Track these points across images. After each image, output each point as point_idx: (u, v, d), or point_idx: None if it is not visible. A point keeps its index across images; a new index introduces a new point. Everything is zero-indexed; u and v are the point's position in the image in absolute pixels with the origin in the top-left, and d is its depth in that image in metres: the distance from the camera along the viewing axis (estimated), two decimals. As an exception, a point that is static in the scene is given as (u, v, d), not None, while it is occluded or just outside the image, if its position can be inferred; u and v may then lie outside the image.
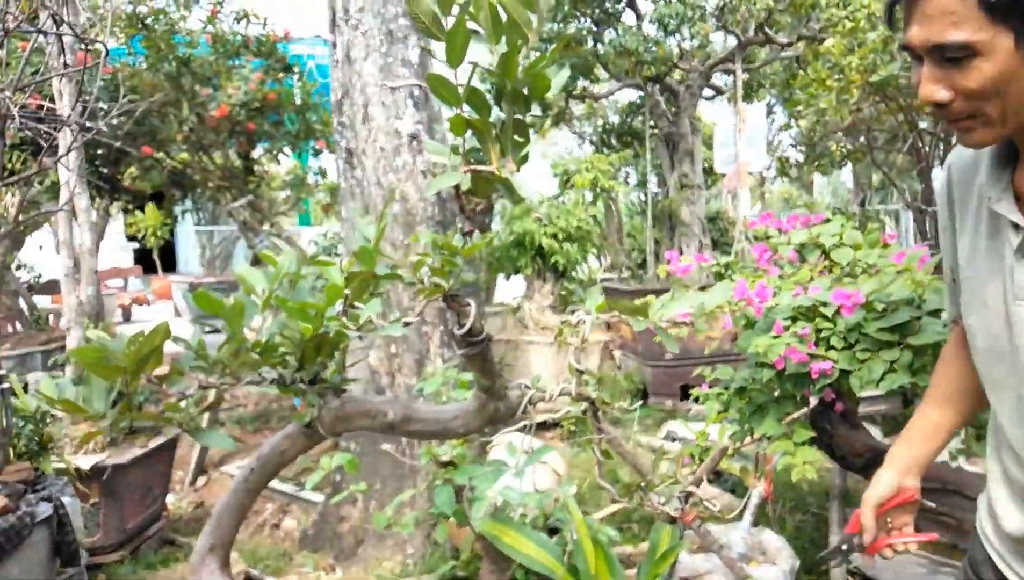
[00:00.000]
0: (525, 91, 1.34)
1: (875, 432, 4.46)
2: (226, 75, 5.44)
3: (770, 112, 7.66)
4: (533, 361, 4.39)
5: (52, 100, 4.13)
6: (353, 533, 3.38)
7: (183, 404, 1.22)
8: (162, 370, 1.20)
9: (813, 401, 2.82)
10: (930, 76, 0.86)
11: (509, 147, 1.32)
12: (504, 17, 1.31)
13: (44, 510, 2.51)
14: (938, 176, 1.13)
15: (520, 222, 4.64)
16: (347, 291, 1.03)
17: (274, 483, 4.31)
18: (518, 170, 1.34)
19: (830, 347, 2.19)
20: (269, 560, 3.49)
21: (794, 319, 2.26)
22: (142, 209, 12.19)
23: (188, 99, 5.48)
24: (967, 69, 0.83)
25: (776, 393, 2.46)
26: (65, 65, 3.22)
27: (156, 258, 15.17)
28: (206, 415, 4.27)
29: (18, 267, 6.41)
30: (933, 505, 1.89)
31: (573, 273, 4.97)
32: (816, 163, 4.76)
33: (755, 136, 6.99)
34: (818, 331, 2.22)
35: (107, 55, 3.16)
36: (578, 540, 1.85)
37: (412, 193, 3.01)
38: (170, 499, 4.16)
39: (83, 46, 3.34)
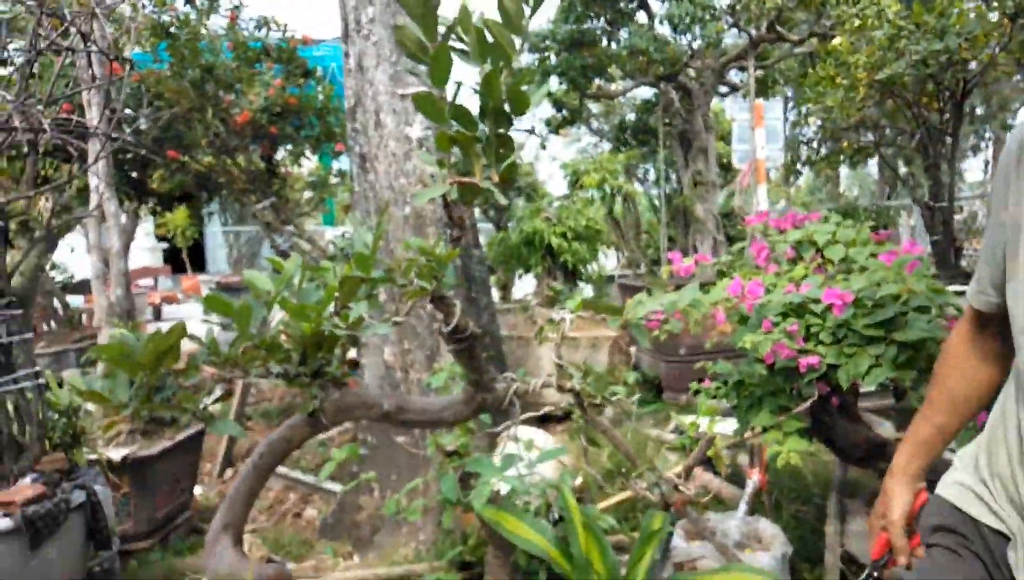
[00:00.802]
0: (507, 108, 1.45)
1: (888, 426, 4.51)
2: (248, 81, 5.61)
3: (788, 108, 7.67)
4: (544, 356, 4.49)
5: (82, 109, 4.33)
6: (370, 522, 3.51)
7: (204, 398, 1.35)
8: (180, 366, 1.33)
9: (813, 395, 2.90)
10: None
11: (493, 159, 1.43)
12: (490, 39, 1.42)
13: (78, 497, 2.67)
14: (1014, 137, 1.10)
15: (530, 221, 4.74)
16: (337, 294, 1.14)
17: (297, 474, 4.48)
18: (506, 180, 1.45)
19: (819, 343, 2.27)
20: (291, 547, 3.64)
21: (785, 315, 2.34)
22: (171, 211, 12.51)
23: (212, 105, 5.66)
24: None
25: (773, 388, 2.54)
26: (93, 78, 3.40)
27: (185, 258, 15.53)
28: (219, 406, 4.44)
29: (52, 268, 6.65)
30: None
31: (583, 271, 5.07)
32: (827, 160, 4.81)
33: (772, 132, 7.01)
34: (808, 327, 2.30)
35: (133, 68, 3.32)
36: (571, 525, 1.95)
37: (422, 196, 3.13)
38: (198, 490, 4.34)
39: (111, 58, 3.52)
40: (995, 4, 3.60)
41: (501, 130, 1.45)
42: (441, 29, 1.41)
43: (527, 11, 1.41)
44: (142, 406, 1.23)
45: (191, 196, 8.12)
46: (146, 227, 13.92)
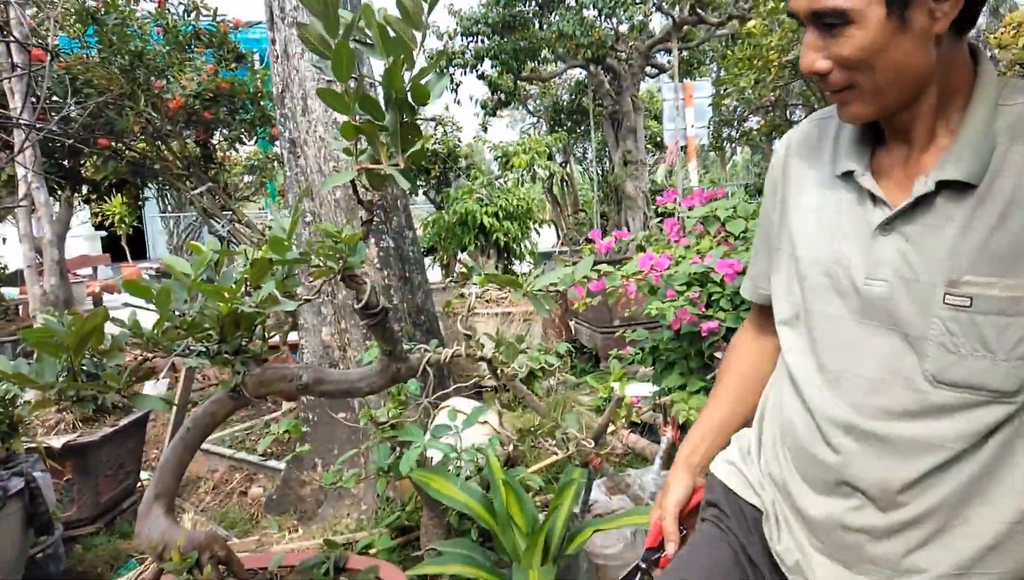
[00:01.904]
0: (410, 99, 1.57)
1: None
2: (179, 67, 5.56)
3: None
4: (479, 330, 4.64)
5: (4, 98, 4.26)
6: (314, 496, 3.63)
7: (153, 382, 1.45)
8: (104, 346, 1.43)
9: (720, 357, 3.12)
10: (811, 45, 0.88)
11: (399, 147, 1.56)
12: (392, 34, 1.54)
13: (16, 484, 2.72)
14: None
15: (463, 202, 4.86)
16: (246, 275, 1.26)
17: (242, 454, 4.56)
18: (413, 166, 1.58)
19: (720, 309, 2.47)
20: (237, 524, 3.74)
21: (688, 285, 2.54)
22: (108, 199, 12.22)
23: (143, 91, 5.59)
24: (841, 37, 0.84)
25: (681, 352, 2.75)
26: (13, 67, 3.37)
27: (125, 246, 15.17)
28: (168, 392, 4.47)
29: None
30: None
31: (515, 248, 5.24)
32: (743, 137, 5.05)
33: (701, 111, 7.25)
34: (709, 295, 2.50)
35: (57, 56, 3.32)
36: (493, 483, 2.11)
37: (352, 180, 3.23)
38: (145, 475, 4.38)
39: (30, 46, 3.50)
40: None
41: (406, 119, 1.57)
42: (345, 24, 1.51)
43: (425, 7, 1.54)
44: (68, 386, 1.33)
45: (127, 183, 7.98)
46: (83, 216, 13.55)
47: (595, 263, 3.08)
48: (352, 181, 1.53)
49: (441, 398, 3.21)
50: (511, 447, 3.45)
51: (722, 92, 4.63)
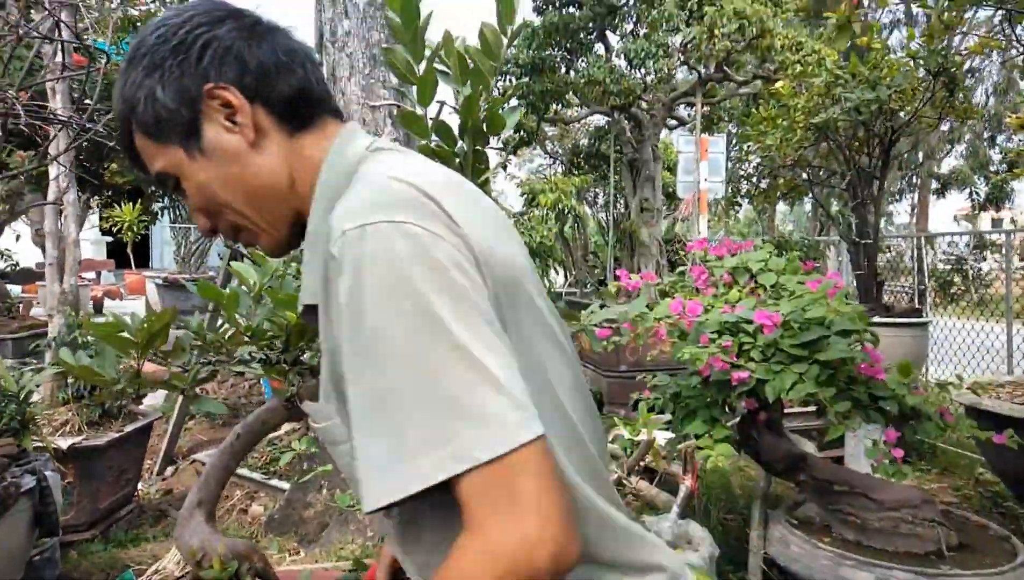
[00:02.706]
0: (484, 127, 1.61)
1: (810, 447, 4.79)
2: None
3: (731, 144, 8.10)
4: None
5: (44, 97, 4.31)
6: (317, 519, 3.59)
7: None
8: (167, 347, 1.44)
9: (742, 410, 3.13)
10: (191, 209, 0.87)
11: (470, 173, 1.59)
12: (471, 64, 1.59)
13: (28, 482, 2.69)
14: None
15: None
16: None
17: (242, 471, 4.51)
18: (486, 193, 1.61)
19: (750, 359, 2.49)
20: (235, 543, 3.69)
21: (720, 333, 2.56)
22: (120, 204, 12.28)
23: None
24: (186, 193, 0.84)
25: (707, 399, 2.75)
26: (64, 67, 3.42)
27: (130, 253, 15.18)
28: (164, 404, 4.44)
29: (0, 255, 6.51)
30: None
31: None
32: (764, 195, 5.14)
33: (715, 166, 7.39)
34: (740, 345, 2.51)
35: (108, 60, 3.38)
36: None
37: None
38: (140, 486, 4.33)
39: (76, 48, 3.55)
40: (920, 62, 3.95)
41: (478, 147, 1.61)
42: (428, 51, 1.56)
43: (504, 41, 1.58)
44: (131, 381, 1.34)
45: (142, 191, 8.03)
46: (92, 220, 13.59)
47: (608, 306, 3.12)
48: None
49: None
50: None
51: (747, 148, 4.73)
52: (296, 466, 3.85)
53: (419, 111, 1.40)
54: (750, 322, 2.51)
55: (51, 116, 2.92)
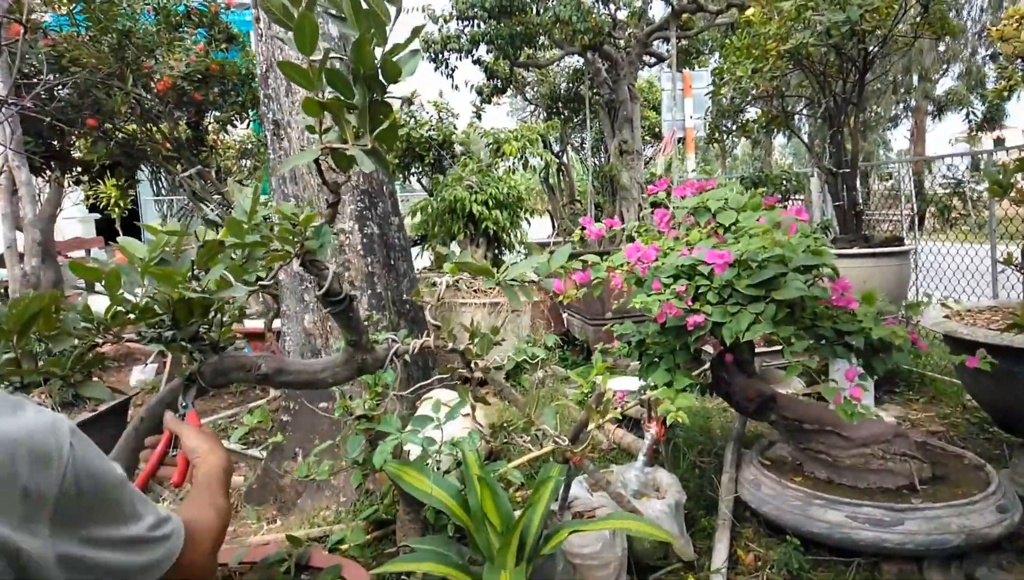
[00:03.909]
0: (380, 75, 1.49)
1: (797, 383, 4.74)
2: (168, 46, 5.46)
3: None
4: (466, 320, 4.57)
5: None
6: (294, 487, 3.57)
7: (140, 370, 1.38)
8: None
9: (710, 354, 3.06)
10: None
11: (367, 126, 1.48)
12: (365, 5, 1.46)
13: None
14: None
15: (452, 189, 4.76)
16: (192, 259, 1.18)
17: (223, 442, 4.49)
18: (388, 147, 1.51)
19: (707, 302, 2.40)
20: (216, 515, 3.68)
21: (676, 278, 2.47)
22: (101, 181, 12.12)
23: (132, 71, 5.49)
24: None
25: (669, 347, 2.68)
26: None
27: (119, 228, 15.05)
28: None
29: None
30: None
31: (505, 238, 5.14)
32: (741, 129, 4.97)
33: (700, 102, 7.17)
34: (697, 288, 2.43)
35: (45, 33, 3.22)
36: (468, 478, 2.05)
37: (337, 164, 3.16)
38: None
39: (9, 20, 3.40)
40: (892, -22, 3.76)
41: (375, 97, 1.49)
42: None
43: (399, -19, 1.45)
44: (9, 371, 1.26)
45: (120, 165, 7.87)
46: (76, 197, 13.44)
47: (585, 253, 3.01)
48: (317, 162, 1.46)
49: (424, 389, 3.15)
50: (494, 441, 3.40)
51: (720, 82, 4.56)
52: (272, 435, 3.82)
53: (300, 60, 1.28)
54: (706, 264, 2.42)
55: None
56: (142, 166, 8.32)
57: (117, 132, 6.28)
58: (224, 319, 1.50)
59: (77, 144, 6.85)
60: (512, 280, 1.54)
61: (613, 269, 2.55)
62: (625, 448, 3.40)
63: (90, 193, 12.79)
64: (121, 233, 14.96)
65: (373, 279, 3.29)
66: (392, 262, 3.41)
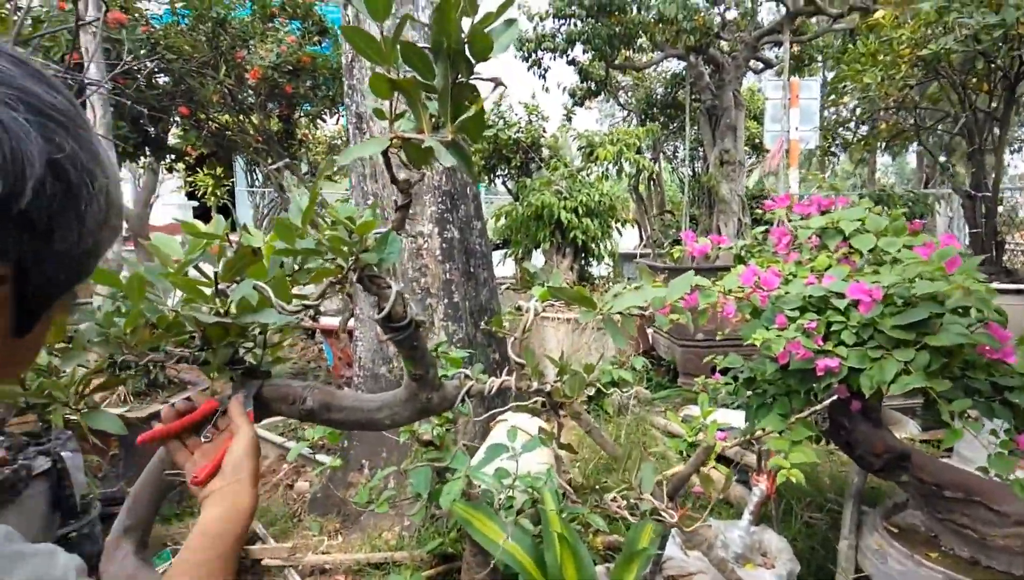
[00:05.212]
0: (467, 51, 1.21)
1: (912, 426, 4.23)
2: (260, 36, 5.41)
3: (826, 88, 7.31)
4: (549, 337, 4.27)
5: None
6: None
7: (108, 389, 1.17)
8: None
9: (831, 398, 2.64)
10: None
11: (447, 112, 1.20)
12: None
13: (42, 464, 2.54)
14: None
15: (539, 194, 4.47)
16: (216, 270, 0.93)
17: (291, 443, 4.35)
18: (472, 140, 1.22)
19: (840, 343, 2.03)
20: (278, 521, 3.51)
21: (803, 310, 2.10)
22: (200, 168, 12.48)
23: (225, 61, 5.48)
24: None
25: (787, 388, 2.31)
26: (77, 19, 3.21)
27: (214, 216, 15.49)
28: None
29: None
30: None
31: (593, 248, 4.80)
32: (863, 142, 4.47)
33: (807, 113, 6.66)
34: (828, 325, 2.05)
35: (146, 21, 3.13)
36: (547, 534, 1.75)
37: (420, 161, 2.93)
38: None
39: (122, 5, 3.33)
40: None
41: (460, 77, 1.22)
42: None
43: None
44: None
45: (216, 155, 8.00)
46: (175, 184, 13.89)
47: (683, 270, 2.67)
48: (387, 156, 1.19)
49: (497, 412, 2.88)
50: (574, 474, 3.08)
51: (841, 89, 4.10)
52: (339, 444, 3.63)
53: (371, 28, 1.01)
54: (841, 297, 2.04)
55: (73, 79, 2.69)
56: (237, 157, 8.41)
57: (210, 122, 6.31)
58: (271, 339, 1.25)
59: (171, 132, 6.95)
60: (617, 313, 1.24)
61: (725, 295, 2.20)
62: (722, 494, 3.02)
63: (188, 180, 13.23)
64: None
65: (451, 287, 3.04)
66: (472, 269, 3.15)
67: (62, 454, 2.67)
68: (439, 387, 1.24)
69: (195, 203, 16.73)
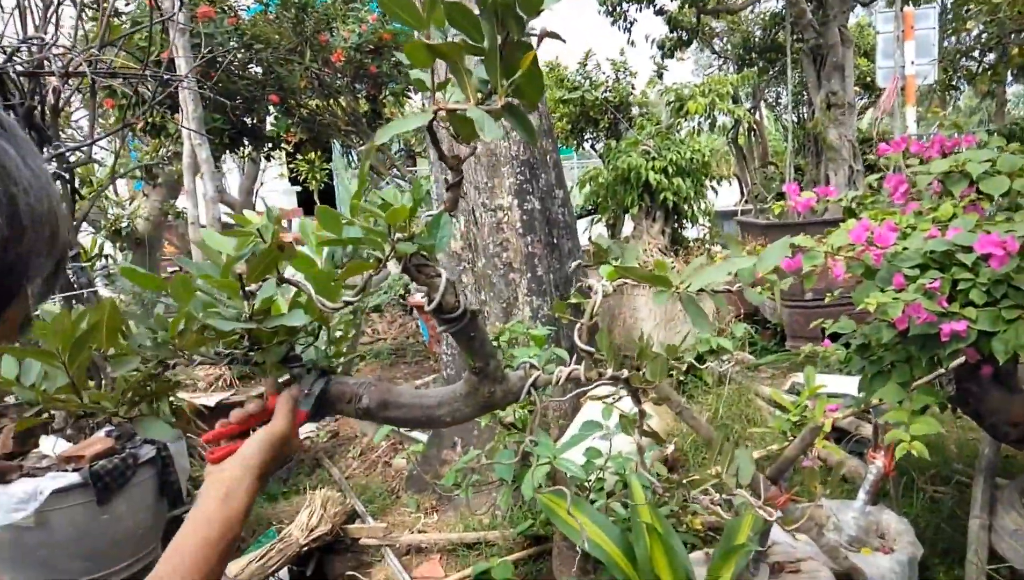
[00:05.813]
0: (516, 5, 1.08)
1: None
2: (342, 17, 5.42)
3: (944, 16, 6.62)
4: (640, 307, 4.08)
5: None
6: (452, 480, 3.37)
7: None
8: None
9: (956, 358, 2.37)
10: None
11: (498, 77, 1.08)
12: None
13: (147, 452, 2.65)
14: None
15: (625, 156, 4.24)
16: (239, 270, 0.86)
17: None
18: (531, 102, 1.10)
19: (968, 303, 1.78)
20: (377, 499, 3.57)
21: (924, 268, 1.86)
22: (299, 154, 12.91)
23: (310, 46, 5.54)
24: None
25: (906, 355, 2.08)
26: (156, 6, 3.29)
27: (316, 201, 16.06)
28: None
29: (176, 216, 6.93)
30: None
31: (686, 210, 4.52)
32: (991, 73, 3.98)
33: (924, 45, 6.06)
34: (954, 283, 1.81)
35: (235, 13, 3.16)
36: (636, 526, 1.64)
37: (496, 131, 2.82)
38: (310, 427, 4.38)
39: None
40: None
41: (512, 35, 1.09)
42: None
43: None
44: (55, 402, 1.03)
45: (313, 140, 8.18)
46: (279, 171, 14.44)
47: (787, 226, 2.43)
48: (431, 130, 1.09)
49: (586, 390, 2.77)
50: (670, 449, 2.94)
51: (964, 14, 3.64)
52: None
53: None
54: (969, 250, 1.79)
55: (165, 76, 2.75)
56: (333, 140, 8.57)
57: (300, 108, 6.43)
58: (336, 334, 1.20)
59: (266, 120, 7.15)
60: (697, 290, 1.10)
61: (833, 255, 1.98)
62: (838, 470, 2.80)
63: (290, 166, 13.71)
64: (318, 204, 15.98)
65: (533, 260, 2.94)
66: (555, 241, 3.03)
67: (166, 442, 2.79)
68: (502, 379, 1.15)
69: (298, 188, 17.39)
